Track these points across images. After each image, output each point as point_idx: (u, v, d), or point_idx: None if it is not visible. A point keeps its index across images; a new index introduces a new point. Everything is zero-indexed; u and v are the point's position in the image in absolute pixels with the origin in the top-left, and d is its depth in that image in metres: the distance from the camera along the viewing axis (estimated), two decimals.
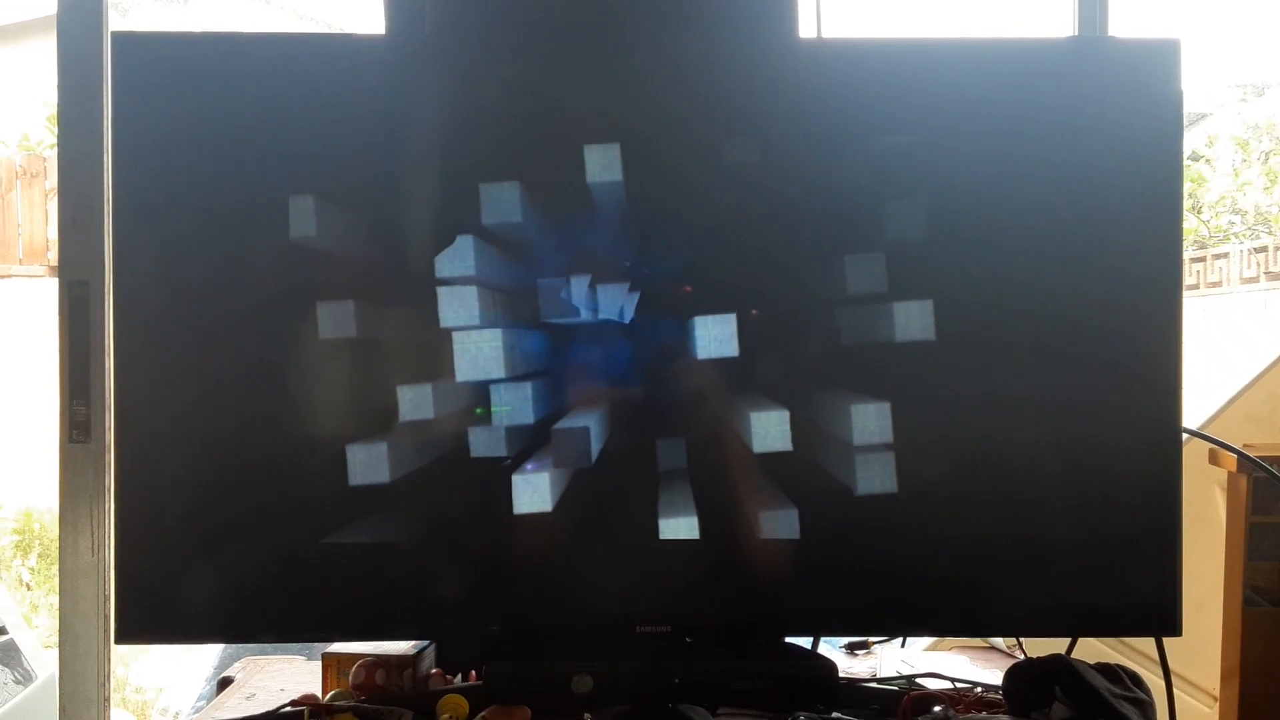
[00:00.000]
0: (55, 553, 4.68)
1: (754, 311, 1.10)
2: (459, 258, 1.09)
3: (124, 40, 1.08)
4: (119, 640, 1.07)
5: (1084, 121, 1.09)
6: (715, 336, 1.10)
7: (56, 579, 4.18)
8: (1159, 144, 1.10)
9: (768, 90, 1.10)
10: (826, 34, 1.24)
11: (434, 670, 1.18)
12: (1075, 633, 1.19)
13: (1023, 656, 1.26)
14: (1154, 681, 1.13)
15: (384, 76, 1.10)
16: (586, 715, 1.09)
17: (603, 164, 1.08)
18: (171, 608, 1.09)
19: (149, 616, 1.09)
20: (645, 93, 1.10)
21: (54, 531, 4.84)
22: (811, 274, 1.11)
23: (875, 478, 1.10)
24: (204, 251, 1.08)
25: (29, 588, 4.57)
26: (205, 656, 3.33)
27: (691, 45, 1.10)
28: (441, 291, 1.08)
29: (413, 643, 1.17)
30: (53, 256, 5.23)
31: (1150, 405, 1.10)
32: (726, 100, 1.09)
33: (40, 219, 5.30)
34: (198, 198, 1.07)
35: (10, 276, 5.18)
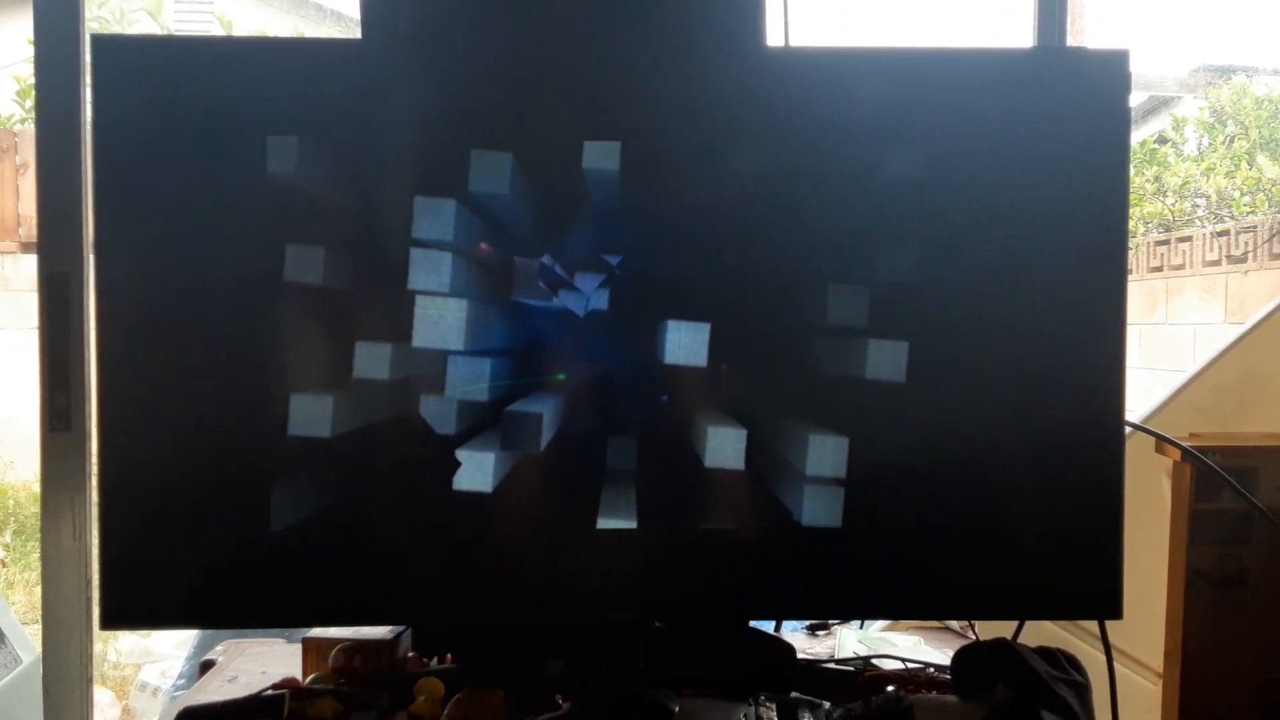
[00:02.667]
0: (31, 529, 4.69)
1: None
2: (438, 220, 1.09)
3: (102, 42, 1.10)
4: (104, 626, 1.10)
5: (1038, 128, 1.13)
6: (685, 344, 1.10)
7: (33, 556, 4.19)
8: (1107, 148, 1.14)
9: (734, 98, 1.13)
10: (793, 44, 1.27)
11: (410, 654, 1.22)
12: (1022, 616, 1.24)
13: (975, 637, 1.32)
14: (1098, 657, 1.20)
15: (359, 79, 1.11)
16: (558, 697, 1.14)
17: (599, 157, 1.09)
18: (155, 594, 1.12)
19: (133, 602, 1.12)
20: (616, 98, 1.12)
21: (30, 508, 4.83)
22: (772, 289, 1.12)
23: (822, 506, 1.12)
24: (184, 242, 1.10)
25: (4, 564, 4.57)
26: (184, 635, 3.37)
27: (662, 52, 1.13)
28: (414, 253, 1.08)
29: (389, 628, 1.21)
30: (23, 232, 5.18)
31: (1095, 402, 1.15)
32: (694, 108, 1.12)
33: (10, 195, 5.24)
34: (178, 191, 1.09)
35: None
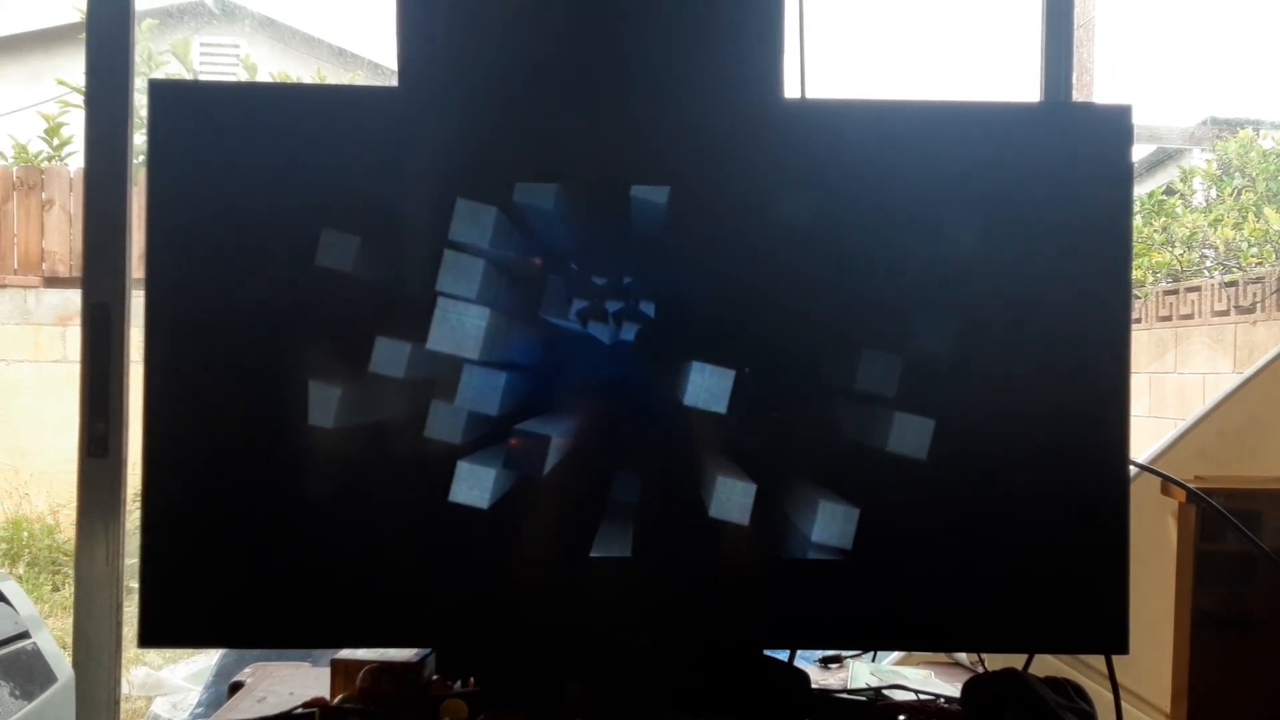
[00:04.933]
0: (44, 561, 4.71)
1: (746, 369, 1.12)
2: (477, 226, 1.09)
3: (159, 87, 1.16)
4: (142, 644, 1.14)
5: (1044, 179, 1.18)
6: (708, 388, 1.11)
7: (45, 589, 4.19)
8: (1111, 198, 1.18)
9: (751, 147, 1.17)
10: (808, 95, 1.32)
11: (435, 676, 1.25)
12: (1031, 649, 1.27)
13: (983, 670, 1.35)
14: (1106, 696, 1.22)
15: (396, 124, 1.16)
16: None
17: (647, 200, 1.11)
18: (191, 613, 1.16)
19: (169, 621, 1.15)
20: (640, 146, 1.17)
21: (43, 540, 4.86)
22: (791, 342, 1.14)
23: (835, 527, 1.12)
24: (233, 274, 1.15)
25: None
26: (196, 668, 3.39)
27: (685, 102, 1.18)
28: (447, 255, 1.09)
29: (414, 650, 1.24)
30: (46, 267, 5.26)
31: (1102, 445, 1.18)
32: (715, 158, 1.17)
33: (35, 230, 5.34)
34: (227, 228, 1.15)
35: (5, 286, 5.21)
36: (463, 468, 1.10)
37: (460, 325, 1.09)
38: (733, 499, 1.11)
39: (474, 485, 1.10)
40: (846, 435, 1.14)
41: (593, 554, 1.14)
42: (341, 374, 1.13)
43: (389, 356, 1.10)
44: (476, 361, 1.10)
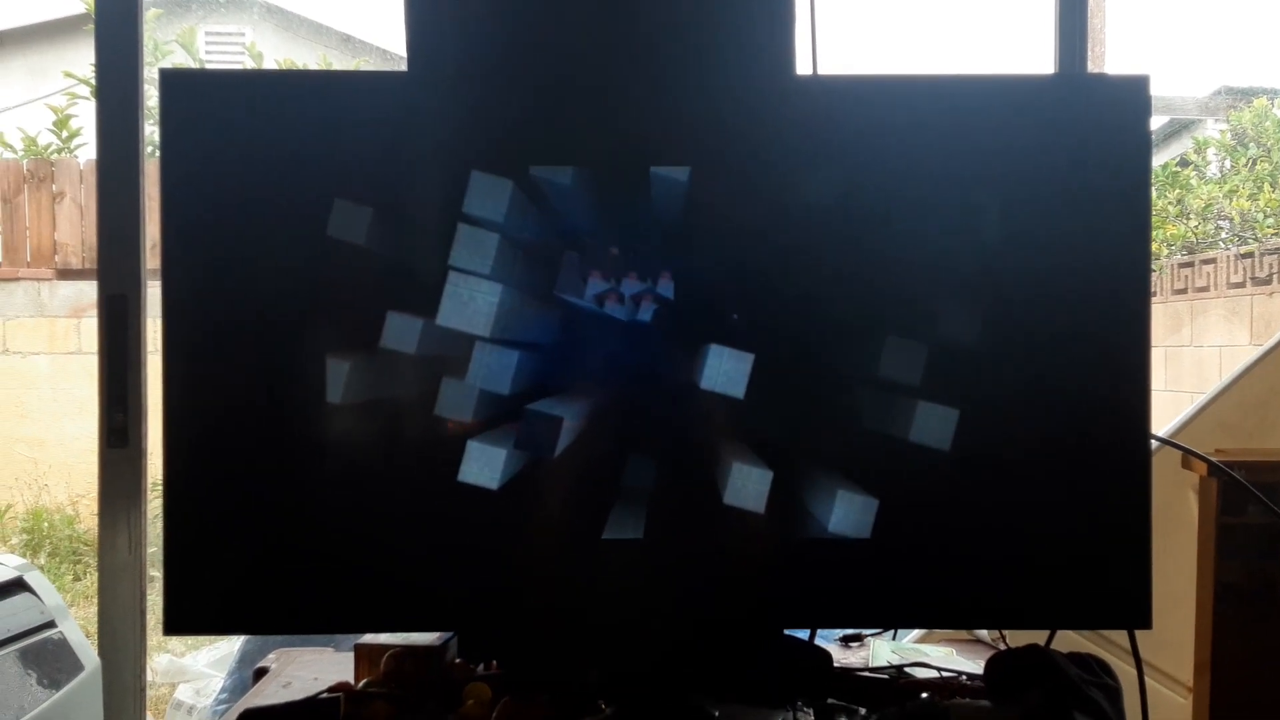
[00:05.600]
0: (65, 552, 4.75)
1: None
2: (492, 199, 1.06)
3: (171, 77, 1.16)
4: (168, 631, 1.15)
5: (1061, 152, 1.17)
6: (726, 371, 1.09)
7: (66, 578, 4.23)
8: (1129, 171, 1.17)
9: (764, 125, 1.17)
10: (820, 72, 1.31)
11: (457, 660, 1.26)
12: (1054, 625, 1.27)
13: (1005, 647, 1.35)
14: (1129, 672, 1.22)
15: (407, 109, 1.16)
16: (600, 703, 1.17)
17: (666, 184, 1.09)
18: (218, 600, 1.17)
19: (194, 609, 1.17)
20: (655, 123, 1.16)
21: (63, 530, 4.90)
22: (806, 319, 1.12)
23: (853, 518, 1.11)
24: (247, 260, 1.15)
25: None
26: (218, 655, 3.41)
27: (699, 81, 1.17)
28: (461, 229, 1.07)
29: (437, 634, 1.25)
30: (59, 259, 5.29)
31: (1123, 419, 1.18)
32: (728, 136, 1.16)
33: (47, 223, 5.36)
34: (242, 216, 1.15)
35: (19, 279, 5.24)
36: (473, 447, 1.09)
37: (472, 301, 1.07)
38: (748, 486, 1.10)
39: (484, 465, 1.09)
40: (866, 423, 1.13)
41: (604, 536, 1.14)
42: (354, 350, 1.12)
43: (401, 332, 1.09)
44: (488, 339, 1.08)
